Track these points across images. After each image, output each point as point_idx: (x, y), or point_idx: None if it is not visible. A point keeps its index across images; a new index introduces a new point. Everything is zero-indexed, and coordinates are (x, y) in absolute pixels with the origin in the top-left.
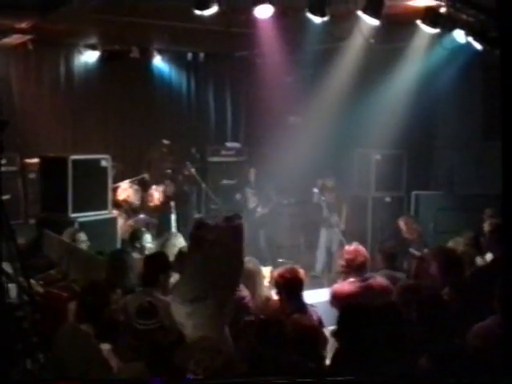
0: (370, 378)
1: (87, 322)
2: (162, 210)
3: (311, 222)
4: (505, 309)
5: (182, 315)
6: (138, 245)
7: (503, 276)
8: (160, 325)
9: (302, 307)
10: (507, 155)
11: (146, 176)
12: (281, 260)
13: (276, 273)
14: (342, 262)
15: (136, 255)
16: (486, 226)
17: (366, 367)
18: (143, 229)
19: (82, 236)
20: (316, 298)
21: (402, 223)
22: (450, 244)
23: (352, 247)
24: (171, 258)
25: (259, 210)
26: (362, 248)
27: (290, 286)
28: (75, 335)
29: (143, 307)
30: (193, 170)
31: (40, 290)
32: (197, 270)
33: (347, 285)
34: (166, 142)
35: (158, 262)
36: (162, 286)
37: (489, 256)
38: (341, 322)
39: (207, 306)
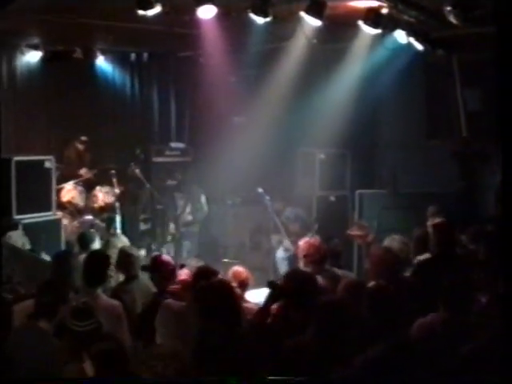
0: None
1: (44, 319)
2: (107, 211)
3: (257, 223)
4: (504, 310)
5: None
6: (92, 246)
7: (504, 278)
8: (96, 326)
9: None
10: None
11: (91, 177)
12: (226, 260)
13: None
14: (306, 254)
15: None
16: (430, 223)
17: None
18: (92, 230)
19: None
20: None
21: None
22: (386, 242)
23: (313, 240)
24: (114, 258)
25: (188, 216)
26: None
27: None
28: (32, 333)
29: (78, 308)
30: (137, 171)
31: None
32: None
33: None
34: (83, 138)
35: (99, 261)
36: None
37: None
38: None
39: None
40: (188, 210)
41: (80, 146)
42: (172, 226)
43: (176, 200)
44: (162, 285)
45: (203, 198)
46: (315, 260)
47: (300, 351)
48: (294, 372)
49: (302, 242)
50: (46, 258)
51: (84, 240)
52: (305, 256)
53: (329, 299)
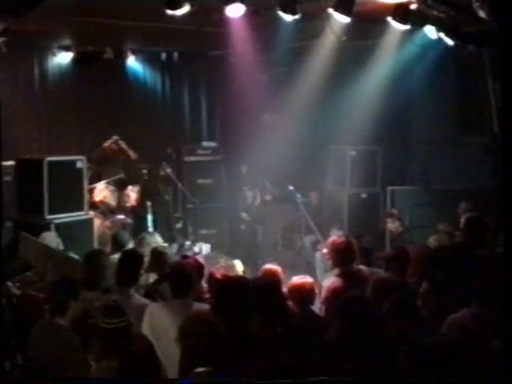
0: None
1: (58, 316)
2: (139, 210)
3: (288, 221)
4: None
5: (164, 313)
6: (127, 247)
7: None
8: (126, 324)
9: None
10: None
11: (122, 176)
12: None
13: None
14: (333, 254)
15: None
16: (462, 220)
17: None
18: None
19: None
20: None
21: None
22: (431, 239)
23: (342, 238)
24: (147, 257)
25: (259, 199)
26: (351, 240)
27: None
28: (51, 329)
29: (109, 306)
30: (169, 170)
31: (17, 292)
32: None
33: (338, 281)
34: (115, 137)
35: (133, 261)
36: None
37: None
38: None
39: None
40: (258, 199)
41: (114, 146)
42: (245, 215)
43: (244, 192)
44: None
45: (268, 184)
46: (338, 261)
47: (324, 351)
48: (320, 372)
49: (327, 242)
50: (76, 257)
51: (119, 240)
52: (328, 259)
53: (349, 296)
